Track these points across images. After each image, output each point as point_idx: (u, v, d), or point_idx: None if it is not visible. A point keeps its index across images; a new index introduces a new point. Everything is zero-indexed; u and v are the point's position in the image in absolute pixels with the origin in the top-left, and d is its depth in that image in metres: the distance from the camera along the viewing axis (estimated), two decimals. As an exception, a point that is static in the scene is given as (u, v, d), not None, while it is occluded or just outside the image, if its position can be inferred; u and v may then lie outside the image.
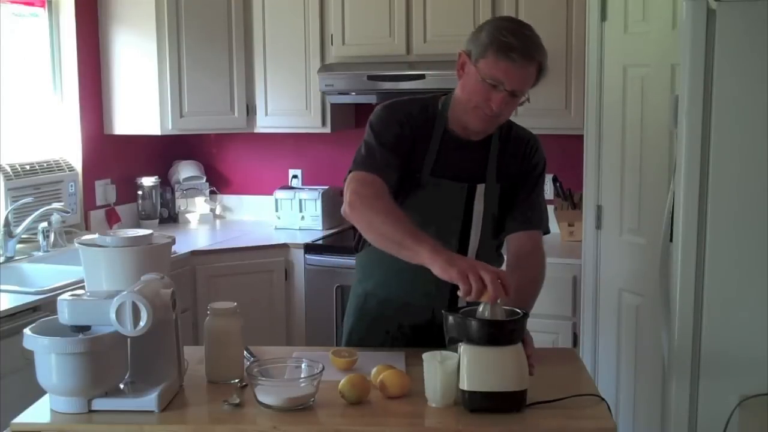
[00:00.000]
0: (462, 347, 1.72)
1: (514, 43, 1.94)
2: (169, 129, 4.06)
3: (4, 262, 3.34)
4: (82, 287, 1.89)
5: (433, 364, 1.74)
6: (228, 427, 1.70)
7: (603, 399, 1.80)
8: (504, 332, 1.72)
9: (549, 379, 1.84)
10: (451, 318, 1.75)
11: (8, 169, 3.55)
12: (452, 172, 2.11)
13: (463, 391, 1.71)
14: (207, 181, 4.56)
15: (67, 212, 3.69)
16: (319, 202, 4.15)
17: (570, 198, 3.81)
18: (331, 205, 4.17)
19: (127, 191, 4.31)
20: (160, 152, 4.53)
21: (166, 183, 4.50)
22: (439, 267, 1.77)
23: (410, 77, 3.72)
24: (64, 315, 1.71)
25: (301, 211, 4.20)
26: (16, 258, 3.41)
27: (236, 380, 1.90)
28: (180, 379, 1.86)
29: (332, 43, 3.95)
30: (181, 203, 4.53)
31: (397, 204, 1.99)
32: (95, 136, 4.08)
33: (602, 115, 3.10)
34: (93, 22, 4.04)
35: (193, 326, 3.57)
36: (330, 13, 3.96)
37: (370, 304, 2.24)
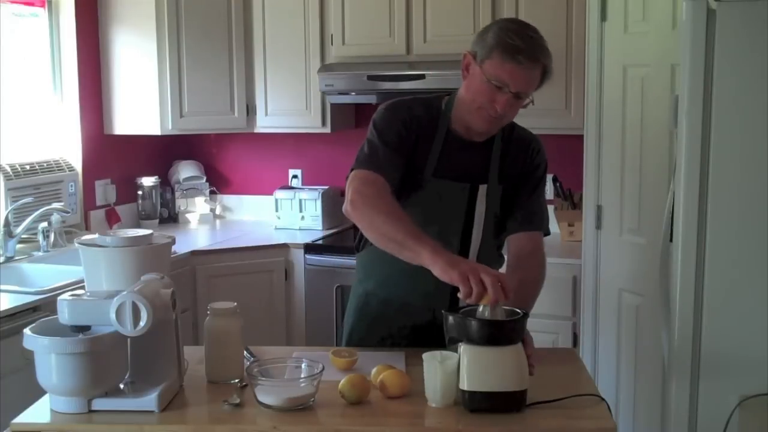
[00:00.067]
0: (462, 347, 1.72)
1: (520, 45, 1.94)
2: (169, 129, 4.06)
3: (4, 262, 3.34)
4: (82, 287, 1.89)
5: (433, 364, 1.74)
6: (228, 427, 1.70)
7: (603, 399, 1.80)
8: (504, 332, 1.72)
9: (549, 379, 1.84)
10: (451, 318, 1.75)
11: (8, 169, 3.55)
12: (455, 173, 2.11)
13: (463, 391, 1.71)
14: (207, 181, 4.56)
15: (67, 212, 3.69)
16: (319, 202, 4.15)
17: (570, 198, 3.81)
18: (331, 205, 4.17)
19: (127, 191, 4.31)
20: (160, 152, 4.53)
21: (166, 183, 4.50)
22: (440, 268, 1.77)
23: (410, 77, 3.72)
24: (64, 315, 1.71)
25: (301, 211, 4.20)
26: (16, 258, 3.41)
27: (236, 380, 1.90)
28: (180, 379, 1.86)
29: (332, 43, 3.95)
30: (181, 203, 4.53)
31: (399, 203, 1.99)
32: (95, 136, 4.08)
33: (602, 115, 3.10)
34: (93, 22, 4.05)
35: (193, 326, 3.57)
36: (330, 13, 3.96)
37: (370, 304, 2.24)
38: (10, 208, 3.46)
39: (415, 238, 1.85)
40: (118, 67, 4.07)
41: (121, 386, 1.80)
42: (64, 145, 3.97)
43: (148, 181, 4.33)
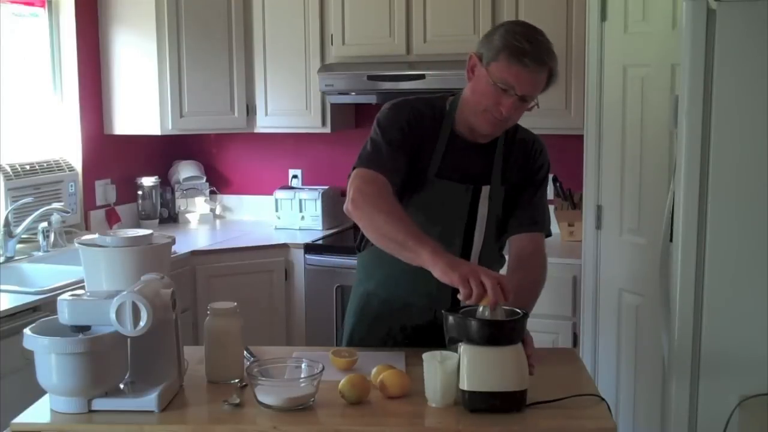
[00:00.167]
0: (462, 347, 1.72)
1: (526, 48, 1.93)
2: (169, 129, 4.06)
3: (4, 262, 3.34)
4: (82, 287, 1.89)
5: (433, 364, 1.74)
6: (228, 427, 1.70)
7: (603, 399, 1.80)
8: (504, 332, 1.72)
9: (549, 379, 1.84)
10: (451, 318, 1.75)
11: (8, 169, 3.55)
12: (458, 174, 2.11)
13: (463, 391, 1.71)
14: (207, 181, 4.56)
15: (67, 212, 3.69)
16: (319, 202, 4.15)
17: (570, 198, 3.81)
18: (331, 205, 4.18)
19: (127, 191, 4.31)
20: (160, 152, 4.53)
21: (166, 183, 4.50)
22: (440, 270, 1.77)
23: (410, 77, 3.72)
24: (64, 315, 1.71)
25: (301, 211, 4.20)
26: (16, 258, 3.41)
27: (236, 380, 1.90)
28: (180, 379, 1.86)
29: (332, 43, 3.95)
30: (181, 203, 4.53)
31: (401, 203, 1.99)
32: (95, 136, 4.08)
33: (602, 115, 3.10)
34: (93, 22, 4.05)
35: (193, 326, 3.57)
36: (330, 13, 3.96)
37: (371, 305, 2.24)
38: (10, 208, 3.46)
39: (415, 239, 1.84)
40: (118, 67, 4.07)
41: (121, 386, 1.79)
42: (64, 145, 3.97)
43: (148, 181, 4.33)
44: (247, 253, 3.86)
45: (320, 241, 3.97)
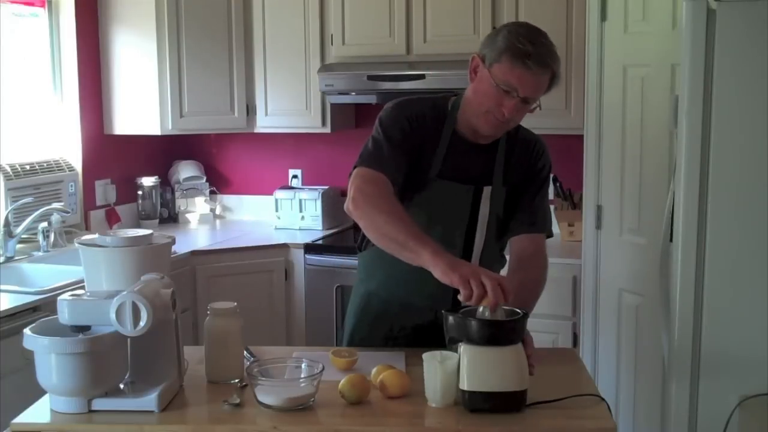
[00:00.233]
0: (462, 347, 1.72)
1: (530, 50, 1.93)
2: (169, 129, 4.06)
3: (4, 262, 3.34)
4: (82, 287, 1.89)
5: (433, 364, 1.74)
6: (228, 427, 1.70)
7: (603, 399, 1.80)
8: (504, 332, 1.72)
9: (549, 379, 1.84)
10: (451, 318, 1.75)
11: (8, 169, 3.55)
12: (459, 174, 2.10)
13: (463, 391, 1.71)
14: (207, 181, 4.56)
15: (67, 212, 3.69)
16: (319, 202, 4.15)
17: (570, 198, 3.81)
18: (331, 205, 4.18)
19: (127, 191, 4.31)
20: (160, 152, 4.53)
21: (166, 183, 4.50)
22: (441, 271, 1.77)
23: (410, 77, 3.72)
24: (64, 315, 1.71)
25: (301, 211, 4.20)
26: (16, 258, 3.41)
27: (236, 380, 1.90)
28: (180, 379, 1.86)
29: (332, 43, 3.95)
30: (181, 203, 4.53)
31: (402, 204, 1.98)
32: (95, 136, 4.08)
33: (602, 115, 3.10)
34: (93, 22, 4.04)
35: (193, 326, 3.57)
36: (330, 13, 3.95)
37: (372, 304, 2.24)
38: (10, 208, 3.46)
39: (416, 239, 1.84)
40: (118, 67, 4.07)
41: (121, 386, 1.79)
42: (64, 145, 3.97)
43: (148, 181, 4.33)
44: (247, 253, 3.86)
45: (320, 241, 3.97)
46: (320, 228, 4.15)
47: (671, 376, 2.38)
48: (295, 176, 4.50)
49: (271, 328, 3.85)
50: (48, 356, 1.69)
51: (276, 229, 4.23)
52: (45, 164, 3.76)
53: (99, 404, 1.72)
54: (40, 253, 3.50)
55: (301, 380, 1.78)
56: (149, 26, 3.97)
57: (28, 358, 1.76)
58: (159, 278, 1.79)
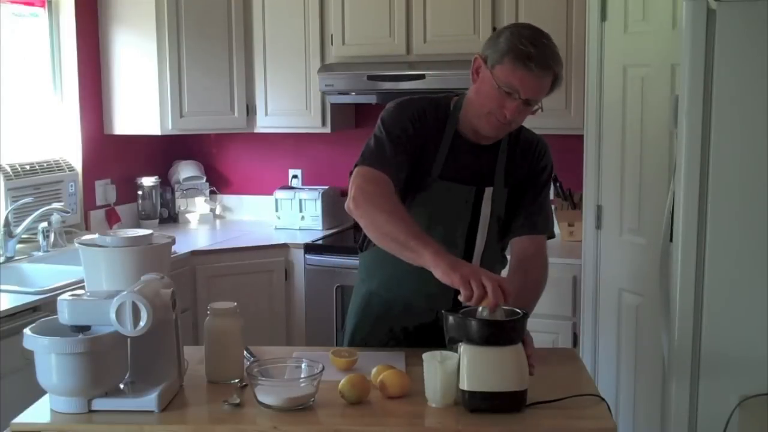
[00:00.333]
0: (462, 347, 1.72)
1: (532, 52, 1.92)
2: (169, 129, 4.06)
3: (4, 262, 3.34)
4: (82, 287, 1.89)
5: (433, 364, 1.74)
6: (228, 427, 1.70)
7: (603, 399, 1.80)
8: (504, 332, 1.72)
9: (549, 379, 1.84)
10: (451, 318, 1.75)
11: (8, 169, 3.55)
12: (461, 175, 2.10)
13: (463, 391, 1.71)
14: (207, 181, 4.56)
15: (67, 212, 3.69)
16: (319, 202, 4.15)
17: (570, 198, 3.81)
18: (331, 205, 4.17)
19: (127, 191, 4.31)
20: (160, 152, 4.53)
21: (166, 183, 4.50)
22: (442, 271, 1.77)
23: (410, 77, 3.72)
24: (64, 315, 1.71)
25: (301, 211, 4.20)
26: (16, 258, 3.41)
27: (236, 380, 1.90)
28: (180, 379, 1.86)
29: (332, 43, 3.95)
30: (181, 203, 4.53)
31: (404, 204, 1.98)
32: (95, 136, 4.08)
33: (602, 115, 3.10)
34: (93, 22, 4.04)
35: (193, 326, 3.57)
36: (330, 13, 3.95)
37: (373, 305, 2.24)
38: (10, 208, 3.46)
39: (417, 239, 1.84)
40: (118, 67, 4.07)
41: (121, 386, 1.80)
42: (64, 145, 3.97)
43: (148, 181, 4.33)
44: (247, 253, 3.86)
45: (320, 241, 3.96)
46: (320, 228, 4.15)
47: (671, 376, 2.38)
48: (295, 176, 4.50)
49: (271, 328, 3.85)
50: (48, 356, 1.69)
51: (276, 229, 4.23)
52: (45, 164, 3.76)
53: (99, 404, 1.72)
54: (40, 253, 3.50)
55: (301, 380, 1.78)
56: (149, 26, 3.97)
57: (28, 358, 1.76)
58: (159, 278, 1.79)
